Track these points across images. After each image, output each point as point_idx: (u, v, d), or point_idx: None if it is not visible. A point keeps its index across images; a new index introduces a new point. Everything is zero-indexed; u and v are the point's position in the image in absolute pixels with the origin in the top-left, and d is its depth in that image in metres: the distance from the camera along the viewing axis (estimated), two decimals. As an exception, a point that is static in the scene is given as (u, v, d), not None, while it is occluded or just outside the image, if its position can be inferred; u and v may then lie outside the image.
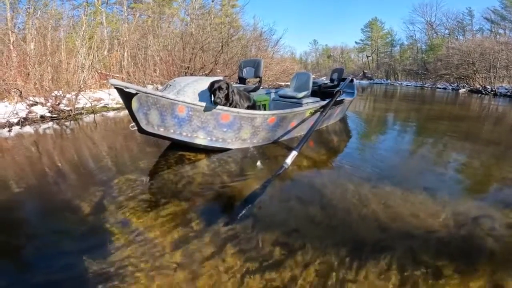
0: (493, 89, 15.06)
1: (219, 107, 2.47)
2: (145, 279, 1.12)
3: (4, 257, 1.25)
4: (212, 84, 2.54)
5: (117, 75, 7.47)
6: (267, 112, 2.78)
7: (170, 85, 2.55)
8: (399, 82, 30.76)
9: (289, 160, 2.18)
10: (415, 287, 1.13)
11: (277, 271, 1.19)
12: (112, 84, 2.03)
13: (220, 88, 2.52)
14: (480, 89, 16.07)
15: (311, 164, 2.57)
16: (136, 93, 2.10)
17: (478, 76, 18.07)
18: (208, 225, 1.50)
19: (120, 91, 2.08)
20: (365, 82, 29.39)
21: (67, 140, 3.32)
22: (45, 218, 1.61)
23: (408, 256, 1.30)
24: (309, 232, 1.47)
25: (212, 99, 2.59)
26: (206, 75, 8.61)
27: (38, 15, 6.77)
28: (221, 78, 2.69)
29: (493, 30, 26.75)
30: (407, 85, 26.63)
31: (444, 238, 1.45)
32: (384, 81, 33.94)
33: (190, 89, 2.39)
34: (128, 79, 7.58)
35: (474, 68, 18.26)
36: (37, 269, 1.18)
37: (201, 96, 2.51)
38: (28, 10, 7.42)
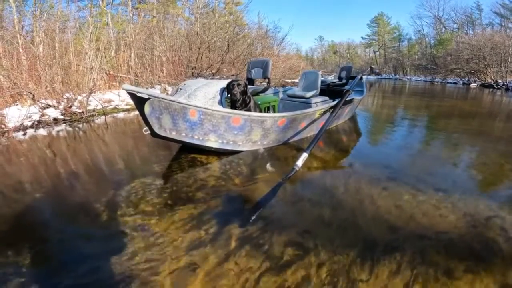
0: (505, 84, 14.71)
1: (230, 110, 2.49)
2: (163, 281, 1.16)
3: (33, 261, 1.30)
4: (231, 81, 2.77)
5: (125, 76, 7.54)
6: (277, 114, 2.78)
7: (181, 89, 2.58)
8: (408, 77, 30.28)
9: (299, 163, 2.18)
10: (426, 287, 1.14)
11: (290, 271, 1.22)
12: (125, 90, 2.06)
13: (238, 84, 2.76)
14: (492, 83, 15.70)
15: (321, 165, 2.57)
16: (149, 98, 2.13)
17: (489, 71, 17.67)
18: (222, 227, 1.53)
19: (133, 96, 2.11)
20: (372, 77, 29.06)
21: (81, 142, 3.39)
22: (65, 222, 1.66)
23: (419, 256, 1.31)
24: (321, 233, 1.49)
25: (227, 95, 2.79)
26: (213, 74, 8.64)
27: (44, 17, 6.85)
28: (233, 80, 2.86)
29: (503, 24, 26.07)
30: (416, 80, 26.23)
31: (454, 238, 1.46)
32: (392, 76, 33.45)
33: (200, 93, 2.41)
34: (136, 79, 7.64)
35: (485, 63, 17.85)
36: (63, 272, 1.22)
37: (212, 99, 2.54)
38: (34, 12, 7.53)
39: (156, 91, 6.86)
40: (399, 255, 1.31)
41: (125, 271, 1.21)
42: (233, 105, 2.84)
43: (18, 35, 5.70)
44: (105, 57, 7.11)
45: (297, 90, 4.14)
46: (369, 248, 1.37)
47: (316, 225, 1.57)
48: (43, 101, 4.59)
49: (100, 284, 1.16)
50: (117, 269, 1.22)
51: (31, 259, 1.30)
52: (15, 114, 4.01)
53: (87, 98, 4.96)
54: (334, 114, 3.01)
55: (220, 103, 2.55)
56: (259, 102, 3.35)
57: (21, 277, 1.19)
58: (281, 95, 4.54)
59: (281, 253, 1.33)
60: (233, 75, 8.82)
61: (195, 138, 2.48)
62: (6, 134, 3.55)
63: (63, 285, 1.16)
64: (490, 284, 1.16)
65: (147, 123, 2.28)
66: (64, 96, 4.89)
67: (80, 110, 4.73)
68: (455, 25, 30.88)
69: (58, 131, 3.90)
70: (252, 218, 1.62)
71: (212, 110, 2.39)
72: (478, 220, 1.62)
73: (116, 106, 5.63)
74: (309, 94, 3.79)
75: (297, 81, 4.60)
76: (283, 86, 9.81)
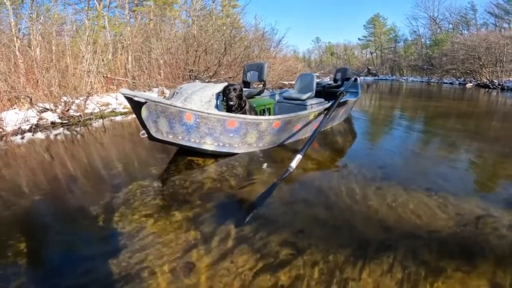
0: (501, 83, 14.84)
1: (225, 113, 2.53)
2: (161, 280, 1.19)
3: (33, 262, 1.32)
4: (227, 86, 2.83)
5: (123, 79, 7.57)
6: (271, 117, 2.83)
7: (177, 93, 2.61)
8: (405, 77, 30.40)
9: (294, 164, 2.22)
10: (417, 286, 1.17)
11: (284, 270, 1.25)
12: (122, 94, 2.10)
13: (234, 89, 2.82)
14: (487, 83, 15.83)
15: (315, 166, 2.61)
16: (145, 102, 2.17)
17: (484, 71, 17.80)
18: (218, 228, 1.56)
19: (130, 100, 2.15)
20: (369, 78, 29.14)
21: (79, 146, 3.42)
22: (64, 224, 1.69)
23: (411, 256, 1.34)
24: (315, 233, 1.52)
25: (223, 98, 2.86)
26: (210, 77, 8.68)
27: (41, 20, 6.86)
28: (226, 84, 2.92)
29: (498, 24, 26.34)
30: (412, 81, 26.33)
31: (446, 237, 1.48)
32: (389, 77, 33.59)
33: (196, 97, 2.45)
34: (134, 82, 7.67)
35: (481, 63, 17.99)
36: (63, 273, 1.25)
37: (208, 103, 2.58)
38: (31, 15, 7.54)
39: (154, 94, 6.89)
40: (392, 254, 1.34)
41: (123, 272, 1.23)
42: (229, 109, 2.89)
43: (15, 38, 5.71)
44: (103, 60, 7.14)
45: (293, 93, 4.19)
46: (362, 248, 1.39)
47: (310, 225, 1.60)
48: (41, 104, 4.61)
49: (98, 284, 1.18)
50: (115, 270, 1.25)
51: (31, 260, 1.33)
52: (13, 118, 4.03)
53: (85, 102, 4.99)
54: (328, 116, 3.06)
55: (216, 106, 2.59)
56: (254, 105, 3.40)
57: (20, 278, 1.21)
58: (277, 97, 4.59)
59: (276, 252, 1.36)
60: (230, 77, 8.87)
61: (192, 141, 2.52)
62: (4, 138, 3.56)
63: (62, 285, 1.19)
64: (481, 283, 1.18)
65: (144, 126, 2.32)
66: (62, 100, 4.92)
67: (77, 114, 4.75)
68: (450, 26, 31.15)
69: (56, 135, 3.92)
70: (247, 218, 1.64)
71: (208, 113, 2.43)
72: (470, 219, 1.65)
73: (114, 110, 5.65)
74: (304, 96, 3.84)
75: (294, 83, 4.67)
76: (280, 88, 9.86)
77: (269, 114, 3.82)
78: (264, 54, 11.64)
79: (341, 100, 3.43)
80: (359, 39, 43.85)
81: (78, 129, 4.29)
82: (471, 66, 19.03)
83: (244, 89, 3.87)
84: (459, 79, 20.70)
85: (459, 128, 4.44)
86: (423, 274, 1.22)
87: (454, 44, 22.46)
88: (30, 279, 1.21)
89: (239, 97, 2.88)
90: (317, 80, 4.31)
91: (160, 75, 8.39)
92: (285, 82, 11.79)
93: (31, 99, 4.53)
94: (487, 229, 1.56)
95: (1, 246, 1.43)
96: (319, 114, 3.36)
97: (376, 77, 32.88)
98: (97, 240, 1.49)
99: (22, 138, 3.71)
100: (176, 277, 1.21)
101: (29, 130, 3.98)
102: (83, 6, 14.72)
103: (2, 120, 3.88)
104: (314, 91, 3.96)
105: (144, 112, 2.22)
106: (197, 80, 8.21)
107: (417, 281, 1.19)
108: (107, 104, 5.77)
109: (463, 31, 28.84)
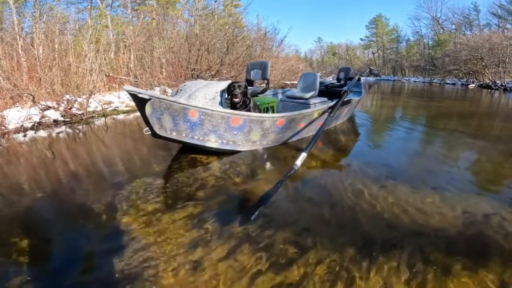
0: (503, 84, 14.77)
1: (229, 110, 2.52)
2: (164, 279, 1.18)
3: (34, 260, 1.31)
4: (232, 83, 2.86)
5: (125, 78, 7.57)
6: (276, 114, 2.81)
7: (181, 90, 2.60)
8: (407, 78, 30.35)
9: (298, 162, 2.20)
10: (424, 284, 1.15)
11: (290, 269, 1.24)
12: (126, 90, 2.08)
13: (239, 86, 2.84)
14: (490, 84, 15.77)
15: (320, 164, 2.59)
16: (150, 99, 2.15)
17: (487, 71, 17.73)
18: (222, 226, 1.55)
19: (134, 96, 2.13)
20: (371, 78, 29.04)
21: (81, 144, 3.41)
22: (66, 222, 1.68)
23: (418, 254, 1.32)
24: (320, 231, 1.51)
25: (228, 96, 2.86)
26: (213, 76, 8.67)
27: (44, 19, 6.88)
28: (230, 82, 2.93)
29: (501, 25, 26.17)
30: (415, 81, 26.25)
31: (453, 236, 1.47)
32: (391, 77, 33.52)
33: (200, 94, 2.44)
34: (136, 81, 7.67)
35: (483, 63, 17.91)
36: (65, 271, 1.24)
37: (212, 100, 2.56)
38: (34, 14, 7.56)
39: (156, 93, 6.88)
40: (398, 253, 1.33)
41: (126, 270, 1.22)
42: (233, 106, 2.87)
43: (18, 37, 5.72)
44: (105, 59, 7.14)
45: (296, 91, 4.17)
46: (368, 246, 1.38)
47: (315, 223, 1.59)
48: (43, 102, 4.61)
49: (101, 283, 1.17)
50: (118, 268, 1.23)
51: (33, 259, 1.32)
52: (15, 116, 4.03)
53: (87, 100, 4.99)
54: (332, 115, 3.03)
55: (220, 104, 2.58)
56: (258, 103, 3.38)
57: (22, 276, 1.20)
58: (280, 96, 4.57)
59: (281, 250, 1.35)
60: (232, 76, 8.85)
61: (195, 139, 2.50)
62: (6, 136, 3.56)
63: (65, 284, 1.17)
64: (488, 281, 1.17)
65: (147, 123, 2.30)
66: (64, 98, 4.92)
67: (80, 112, 4.75)
68: (453, 26, 30.98)
69: (58, 133, 3.92)
70: (254, 216, 1.62)
71: (212, 110, 2.41)
72: (476, 218, 1.63)
73: (116, 108, 5.65)
74: (307, 95, 3.82)
75: (296, 83, 4.66)
76: (282, 88, 9.85)
77: (273, 113, 3.80)
78: (266, 54, 11.64)
79: (344, 99, 3.41)
80: (361, 39, 43.73)
81: (80, 127, 4.28)
82: (474, 67, 18.95)
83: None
84: (461, 80, 20.61)
85: (462, 128, 4.41)
86: (431, 273, 1.21)
87: (457, 45, 22.35)
88: (32, 277, 1.20)
89: (244, 94, 2.87)
90: (320, 80, 4.28)
91: (162, 74, 8.39)
92: (287, 82, 11.78)
93: (33, 97, 4.53)
94: (494, 227, 1.54)
95: (3, 244, 1.41)
96: (323, 112, 3.34)
97: (378, 78, 32.77)
98: (100, 238, 1.48)
99: (25, 136, 3.71)
100: (180, 275, 1.19)
101: (32, 128, 3.98)
102: (86, 5, 14.78)
103: (5, 118, 3.87)
104: (318, 90, 3.94)
105: (148, 109, 2.21)
106: (199, 79, 8.19)
107: (425, 280, 1.17)
108: (109, 103, 5.77)
109: (465, 32, 28.70)
